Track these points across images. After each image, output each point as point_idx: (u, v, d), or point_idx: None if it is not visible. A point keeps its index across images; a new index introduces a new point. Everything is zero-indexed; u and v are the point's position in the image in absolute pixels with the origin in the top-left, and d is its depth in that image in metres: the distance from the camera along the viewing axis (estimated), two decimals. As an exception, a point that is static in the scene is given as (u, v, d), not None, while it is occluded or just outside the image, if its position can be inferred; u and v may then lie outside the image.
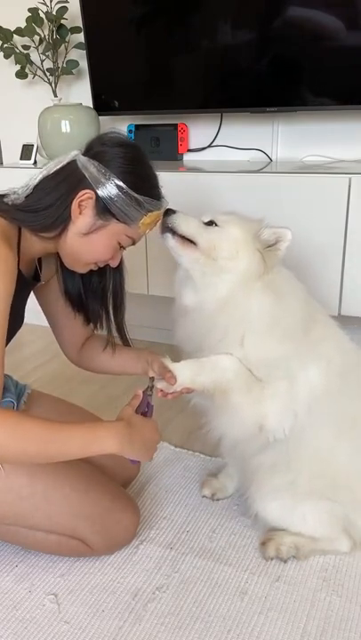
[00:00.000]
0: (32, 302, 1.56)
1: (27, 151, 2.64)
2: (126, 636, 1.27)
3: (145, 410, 1.40)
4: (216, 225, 1.37)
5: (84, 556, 1.46)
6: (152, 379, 1.43)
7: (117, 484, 1.53)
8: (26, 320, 1.50)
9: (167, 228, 1.36)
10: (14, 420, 1.16)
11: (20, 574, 1.44)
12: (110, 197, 1.25)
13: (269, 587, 1.39)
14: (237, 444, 1.46)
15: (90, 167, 1.25)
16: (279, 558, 1.45)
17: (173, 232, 1.36)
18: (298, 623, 1.29)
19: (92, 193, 1.25)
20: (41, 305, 1.57)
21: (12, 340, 1.44)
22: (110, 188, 1.25)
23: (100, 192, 1.25)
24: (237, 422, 1.37)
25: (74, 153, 1.29)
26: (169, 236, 1.36)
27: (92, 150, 1.29)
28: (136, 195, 1.26)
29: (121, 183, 1.25)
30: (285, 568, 1.44)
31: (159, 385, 1.38)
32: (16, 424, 1.15)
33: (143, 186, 1.28)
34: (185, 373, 1.35)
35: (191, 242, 1.35)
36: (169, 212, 1.36)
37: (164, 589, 1.39)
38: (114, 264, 1.38)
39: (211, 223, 1.38)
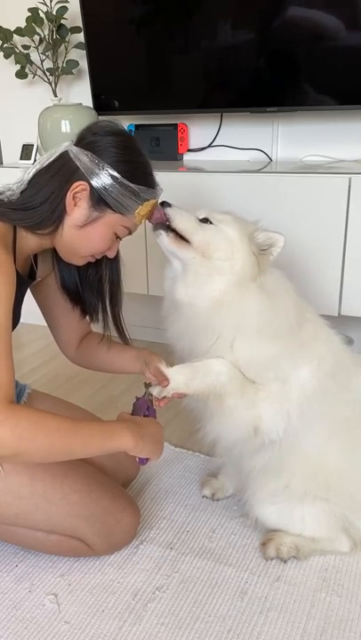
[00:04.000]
0: (33, 303, 1.56)
1: (27, 151, 2.64)
2: (126, 636, 1.27)
3: (146, 414, 1.40)
4: (211, 223, 1.35)
5: (84, 556, 1.46)
6: (147, 384, 1.42)
7: (117, 485, 1.53)
8: (26, 320, 1.51)
9: (160, 225, 1.33)
10: (38, 415, 1.16)
11: (20, 574, 1.44)
12: (105, 187, 1.24)
13: (269, 587, 1.39)
14: (233, 446, 1.46)
15: (82, 157, 1.24)
16: (279, 558, 1.45)
17: (167, 228, 1.33)
18: (298, 623, 1.29)
19: (86, 184, 1.24)
20: (38, 302, 1.57)
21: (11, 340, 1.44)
22: (104, 178, 1.24)
23: (94, 183, 1.24)
24: (232, 425, 1.37)
25: (66, 144, 1.28)
26: (162, 233, 1.33)
27: (83, 140, 1.27)
28: (131, 184, 1.25)
29: (115, 173, 1.23)
30: (285, 568, 1.44)
31: (154, 392, 1.37)
32: (41, 418, 1.15)
33: (137, 174, 1.26)
34: (179, 379, 1.34)
35: (184, 239, 1.33)
36: (164, 205, 1.34)
37: (164, 589, 1.39)
38: (111, 255, 1.37)
39: (206, 220, 1.35)
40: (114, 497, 1.44)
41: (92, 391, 2.30)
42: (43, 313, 1.59)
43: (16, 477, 1.33)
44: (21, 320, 1.44)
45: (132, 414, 1.39)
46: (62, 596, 1.37)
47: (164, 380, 1.35)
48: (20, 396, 1.59)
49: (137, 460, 1.34)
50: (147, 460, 1.35)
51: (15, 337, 1.44)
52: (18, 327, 1.43)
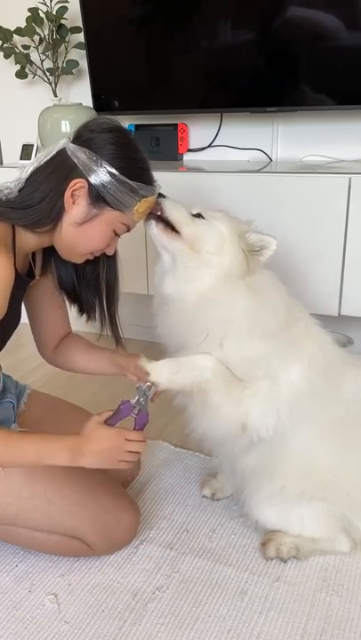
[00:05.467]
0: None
1: (27, 151, 2.64)
2: (126, 636, 1.27)
3: (133, 416, 1.36)
4: (203, 218, 1.36)
5: (84, 556, 1.46)
6: (148, 387, 1.37)
7: (118, 485, 1.53)
8: (26, 320, 1.50)
9: (152, 215, 1.34)
10: None
11: (19, 574, 1.44)
12: (103, 185, 1.24)
13: (269, 587, 1.39)
14: (223, 443, 1.46)
15: (80, 155, 1.23)
16: (280, 558, 1.45)
17: (158, 219, 1.34)
18: (298, 623, 1.30)
19: (85, 182, 1.24)
20: (25, 302, 1.53)
21: (11, 340, 1.44)
22: (102, 176, 1.23)
23: (92, 180, 1.23)
24: (219, 421, 1.37)
25: (63, 142, 1.27)
26: (153, 222, 1.34)
27: (80, 138, 1.27)
28: (129, 180, 1.24)
29: (113, 170, 1.23)
30: (285, 568, 1.44)
31: (150, 392, 1.35)
32: None
33: (135, 171, 1.26)
34: (163, 373, 1.34)
35: (175, 231, 1.33)
36: (159, 196, 1.34)
37: (164, 589, 1.39)
38: (110, 252, 1.37)
39: (198, 216, 1.36)
40: (114, 497, 1.44)
41: (92, 391, 2.29)
42: (27, 313, 1.56)
43: (16, 478, 1.33)
44: (22, 320, 1.43)
45: (112, 415, 1.35)
46: (62, 596, 1.37)
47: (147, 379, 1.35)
48: (19, 396, 1.59)
49: None
50: None
51: (15, 337, 1.44)
52: (18, 327, 1.43)
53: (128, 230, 1.34)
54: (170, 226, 1.34)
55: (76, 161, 1.24)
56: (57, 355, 1.60)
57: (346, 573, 1.43)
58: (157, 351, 1.49)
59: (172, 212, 1.34)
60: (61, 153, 1.26)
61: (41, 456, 1.25)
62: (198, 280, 1.31)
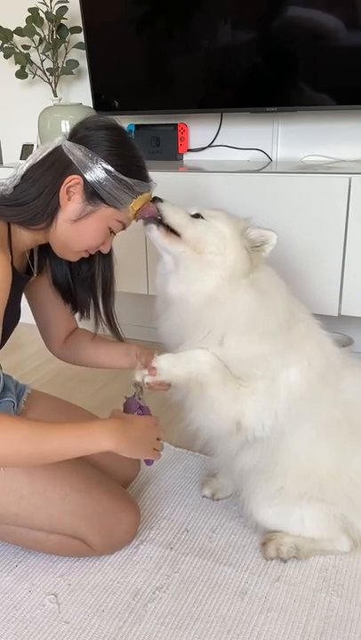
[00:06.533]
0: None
1: (27, 151, 2.64)
2: (126, 636, 1.27)
3: (139, 412, 1.40)
4: (202, 218, 1.35)
5: (84, 556, 1.46)
6: (136, 384, 1.41)
7: (118, 484, 1.52)
8: (26, 320, 1.50)
9: (151, 219, 1.34)
10: (5, 423, 1.14)
11: (20, 574, 1.44)
12: (98, 181, 1.24)
13: (269, 587, 1.39)
14: (217, 440, 1.46)
15: (76, 152, 1.23)
16: (280, 558, 1.45)
17: (158, 223, 1.34)
18: (298, 623, 1.29)
19: (80, 178, 1.24)
20: (28, 298, 1.54)
21: (11, 339, 1.44)
22: (98, 172, 1.23)
23: (87, 176, 1.24)
24: (214, 417, 1.37)
25: (59, 139, 1.28)
26: (153, 227, 1.34)
27: (77, 135, 1.27)
28: (125, 177, 1.24)
29: (109, 166, 1.23)
30: (285, 568, 1.44)
31: (137, 377, 1.38)
32: (7, 426, 1.14)
33: (131, 168, 1.26)
34: (162, 364, 1.35)
35: (176, 234, 1.33)
36: (156, 200, 1.34)
37: (164, 589, 1.39)
38: (105, 250, 1.37)
39: (197, 216, 1.36)
40: (114, 497, 1.44)
41: (92, 391, 2.30)
42: (32, 309, 1.57)
43: (17, 477, 1.33)
44: (21, 320, 1.43)
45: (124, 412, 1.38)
46: (62, 596, 1.37)
47: (153, 369, 1.36)
48: (19, 396, 1.59)
49: (142, 460, 1.34)
50: (152, 460, 1.35)
51: (15, 337, 1.44)
52: (17, 327, 1.43)
53: (124, 228, 1.34)
54: (170, 229, 1.33)
55: (71, 158, 1.24)
56: (66, 349, 1.60)
57: (346, 573, 1.43)
58: (158, 351, 1.49)
59: (172, 216, 1.34)
60: (57, 150, 1.26)
61: (83, 445, 1.20)
62: (203, 281, 1.31)
